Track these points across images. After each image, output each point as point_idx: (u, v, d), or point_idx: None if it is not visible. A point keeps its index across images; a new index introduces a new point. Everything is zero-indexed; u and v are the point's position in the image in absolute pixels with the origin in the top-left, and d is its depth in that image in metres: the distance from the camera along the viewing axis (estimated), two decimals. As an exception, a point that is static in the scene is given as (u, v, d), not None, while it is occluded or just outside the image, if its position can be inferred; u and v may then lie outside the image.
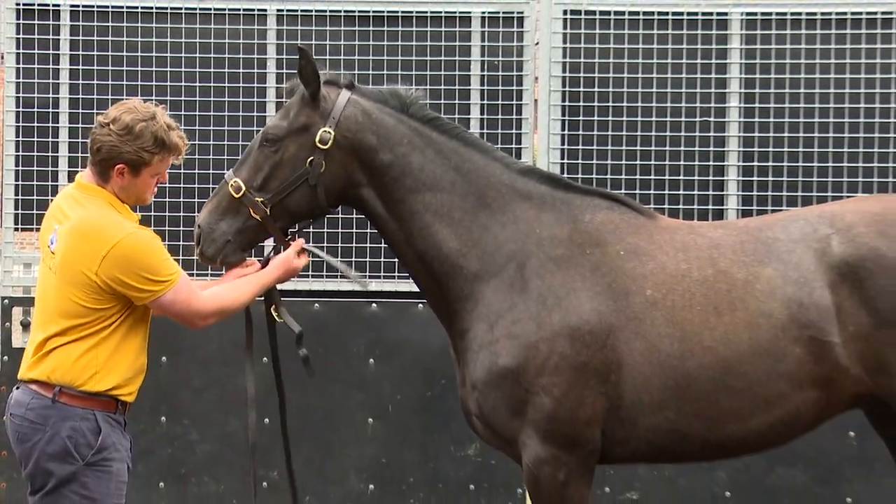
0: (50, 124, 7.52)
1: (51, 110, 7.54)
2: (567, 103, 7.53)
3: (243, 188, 5.17)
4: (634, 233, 5.49)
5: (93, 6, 7.53)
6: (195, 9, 7.63)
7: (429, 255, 5.36)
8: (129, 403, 4.36)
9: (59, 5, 7.51)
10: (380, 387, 7.72)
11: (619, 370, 5.31)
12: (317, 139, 5.16)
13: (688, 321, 5.36)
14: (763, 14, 7.64)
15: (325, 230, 7.42)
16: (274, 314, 4.95)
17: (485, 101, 7.58)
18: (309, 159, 5.21)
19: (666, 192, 7.56)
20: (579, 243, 5.41)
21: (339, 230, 7.51)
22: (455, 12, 7.52)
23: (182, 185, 7.45)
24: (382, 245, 6.92)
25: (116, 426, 4.31)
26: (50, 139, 7.48)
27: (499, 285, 5.42)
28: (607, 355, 5.32)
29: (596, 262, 5.38)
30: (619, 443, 5.34)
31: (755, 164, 7.59)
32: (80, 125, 7.47)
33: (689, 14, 7.57)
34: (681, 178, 7.51)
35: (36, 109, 7.64)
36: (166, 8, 7.60)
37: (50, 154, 7.49)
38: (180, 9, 7.62)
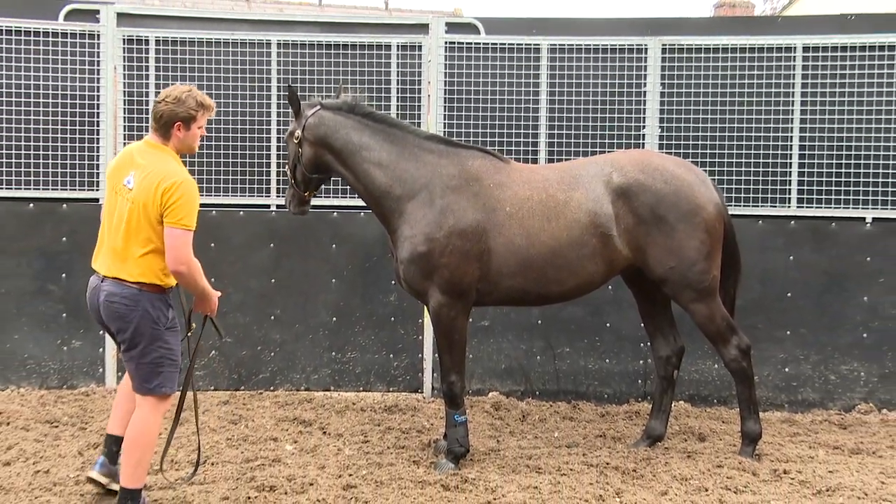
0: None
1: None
2: (445, 96, 8.82)
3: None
4: (497, 172, 6.72)
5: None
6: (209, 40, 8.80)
7: (370, 187, 6.69)
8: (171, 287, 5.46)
9: (147, 38, 8.71)
10: (338, 260, 8.92)
11: (489, 254, 6.54)
12: (295, 139, 6.75)
13: (531, 226, 6.60)
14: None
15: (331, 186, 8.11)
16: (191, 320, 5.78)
17: (401, 96, 8.89)
18: (296, 150, 6.78)
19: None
20: (465, 178, 6.63)
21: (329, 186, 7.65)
22: (381, 43, 8.86)
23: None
24: (342, 183, 8.54)
25: (169, 303, 5.44)
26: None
27: (415, 203, 6.57)
28: (482, 246, 6.53)
29: (476, 191, 6.61)
30: (487, 295, 6.70)
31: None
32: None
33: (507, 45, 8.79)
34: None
35: (125, 107, 8.66)
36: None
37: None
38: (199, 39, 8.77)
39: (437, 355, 8.59)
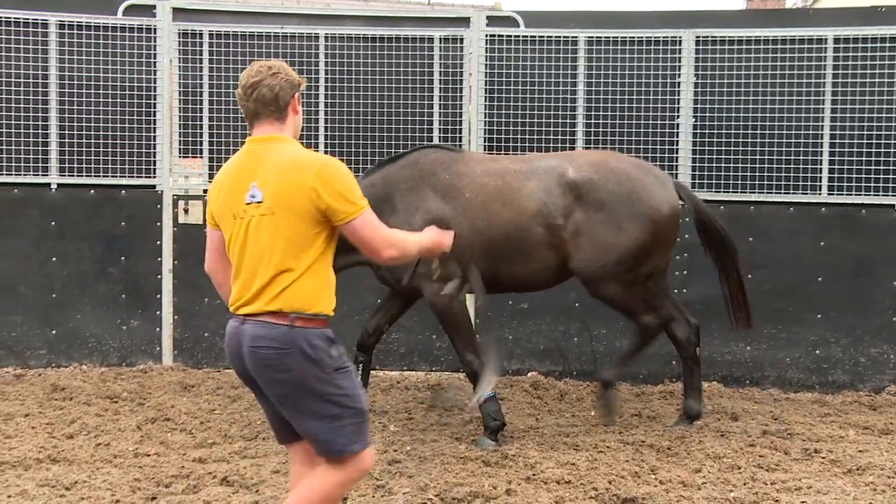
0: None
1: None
2: (486, 88, 8.89)
3: None
4: (454, 163, 6.91)
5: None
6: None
7: None
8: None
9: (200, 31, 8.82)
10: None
11: (457, 238, 6.50)
12: None
13: (489, 210, 6.77)
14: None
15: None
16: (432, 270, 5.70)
17: (443, 87, 8.93)
18: None
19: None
20: (421, 176, 6.84)
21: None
22: (424, 37, 8.92)
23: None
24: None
25: (332, 338, 4.06)
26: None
27: (381, 217, 6.70)
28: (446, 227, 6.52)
29: (433, 184, 6.82)
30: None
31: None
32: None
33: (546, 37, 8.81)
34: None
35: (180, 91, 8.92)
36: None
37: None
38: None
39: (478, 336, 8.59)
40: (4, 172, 8.73)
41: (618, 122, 8.82)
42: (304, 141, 8.40)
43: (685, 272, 8.69)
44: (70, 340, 8.88)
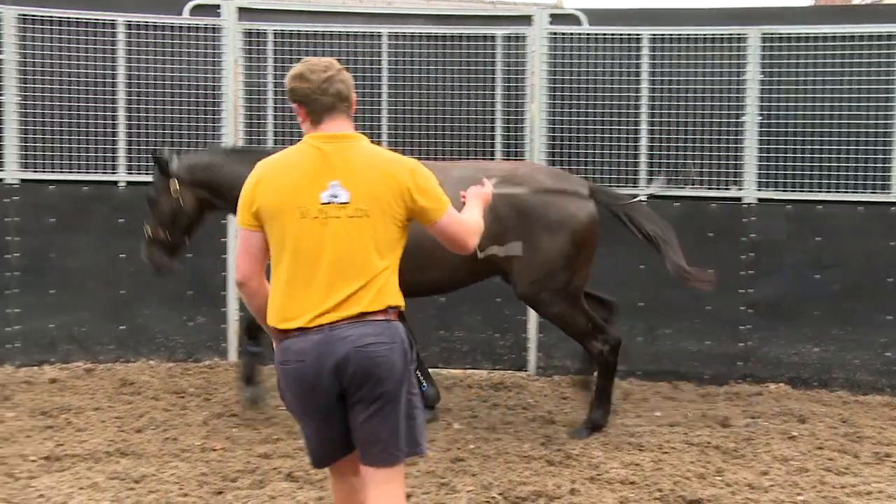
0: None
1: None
2: (549, 86, 8.79)
3: None
4: None
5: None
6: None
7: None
8: None
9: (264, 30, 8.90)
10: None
11: None
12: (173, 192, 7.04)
13: None
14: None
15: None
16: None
17: (505, 86, 8.88)
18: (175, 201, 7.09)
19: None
20: None
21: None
22: (486, 35, 8.89)
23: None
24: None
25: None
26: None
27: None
28: None
29: None
30: None
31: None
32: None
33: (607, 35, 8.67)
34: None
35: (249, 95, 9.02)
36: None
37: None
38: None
39: (540, 335, 8.65)
40: (74, 170, 8.84)
41: (682, 120, 8.69)
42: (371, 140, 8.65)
43: (751, 272, 8.55)
44: (138, 336, 8.98)
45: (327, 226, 3.75)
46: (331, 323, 3.74)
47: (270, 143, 8.94)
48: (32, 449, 6.31)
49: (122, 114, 8.88)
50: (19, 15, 8.68)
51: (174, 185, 7.03)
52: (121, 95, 8.89)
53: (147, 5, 9.04)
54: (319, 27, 9.02)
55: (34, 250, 8.84)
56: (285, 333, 3.80)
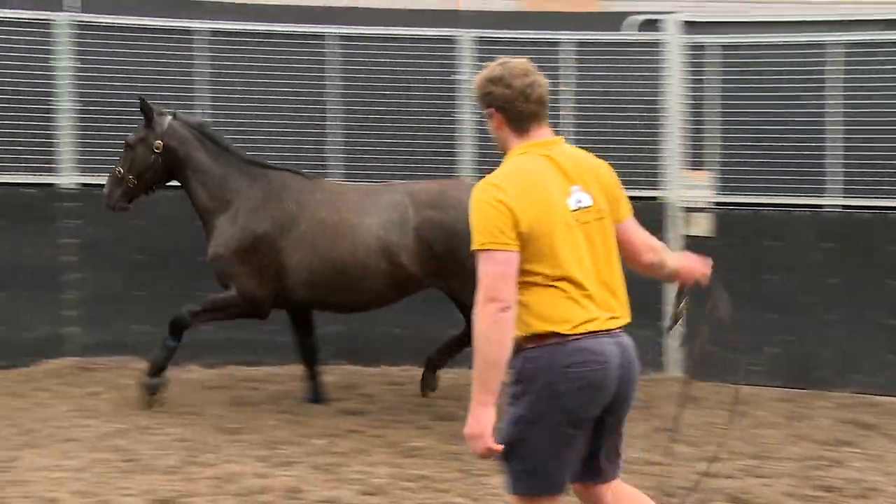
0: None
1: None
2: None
3: None
4: (301, 191, 7.37)
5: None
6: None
7: (196, 203, 7.51)
8: None
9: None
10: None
11: (283, 269, 7.25)
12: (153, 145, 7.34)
13: (321, 245, 7.18)
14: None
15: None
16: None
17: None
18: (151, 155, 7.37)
19: None
20: (267, 199, 7.37)
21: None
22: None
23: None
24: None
25: None
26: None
27: (222, 217, 7.40)
28: (277, 255, 7.24)
29: (273, 212, 7.32)
30: (284, 301, 7.39)
31: None
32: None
33: None
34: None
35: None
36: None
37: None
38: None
39: None
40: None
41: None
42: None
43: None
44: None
45: (585, 232, 3.65)
46: (618, 329, 3.68)
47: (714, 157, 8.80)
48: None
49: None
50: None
51: (159, 144, 7.38)
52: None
53: (590, 23, 9.37)
54: (768, 38, 8.92)
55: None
56: (564, 338, 3.57)
